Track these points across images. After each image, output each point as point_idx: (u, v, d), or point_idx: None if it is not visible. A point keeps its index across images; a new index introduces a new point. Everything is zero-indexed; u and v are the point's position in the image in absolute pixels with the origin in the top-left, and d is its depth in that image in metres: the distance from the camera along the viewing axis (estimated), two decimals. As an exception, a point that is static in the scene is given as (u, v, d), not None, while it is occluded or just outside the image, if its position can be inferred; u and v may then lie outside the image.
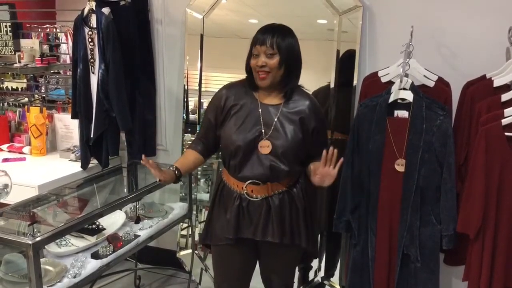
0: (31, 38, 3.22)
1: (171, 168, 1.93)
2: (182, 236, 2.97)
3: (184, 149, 2.87)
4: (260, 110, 1.93)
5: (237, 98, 1.96)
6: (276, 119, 1.91)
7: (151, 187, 2.47)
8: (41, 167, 2.84)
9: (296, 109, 1.92)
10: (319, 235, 2.57)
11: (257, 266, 2.16)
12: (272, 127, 1.90)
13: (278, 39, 1.85)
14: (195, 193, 2.89)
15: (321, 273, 2.66)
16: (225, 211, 2.00)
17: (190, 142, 2.84)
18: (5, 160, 2.91)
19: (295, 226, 1.96)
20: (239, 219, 1.96)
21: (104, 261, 2.11)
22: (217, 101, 2.00)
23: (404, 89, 2.15)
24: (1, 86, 3.59)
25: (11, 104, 3.45)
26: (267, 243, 1.96)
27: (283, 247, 1.98)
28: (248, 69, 1.94)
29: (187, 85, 2.88)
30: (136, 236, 2.34)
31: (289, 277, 2.18)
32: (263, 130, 1.90)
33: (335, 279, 2.65)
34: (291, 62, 1.90)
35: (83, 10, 2.62)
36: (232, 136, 1.92)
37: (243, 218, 1.96)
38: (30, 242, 1.72)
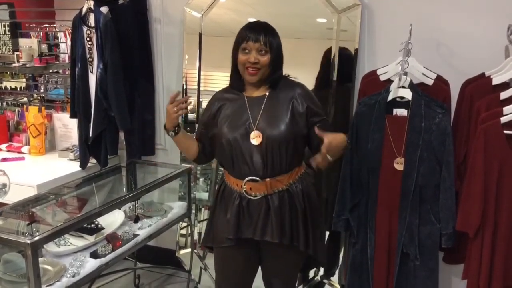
0: (30, 37, 3.22)
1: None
2: (182, 235, 2.97)
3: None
4: (247, 103, 1.96)
5: (227, 98, 2.01)
6: (263, 108, 1.93)
7: (150, 187, 2.47)
8: (40, 166, 2.84)
9: (284, 96, 1.94)
10: (324, 242, 2.53)
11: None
12: (260, 117, 1.92)
13: (271, 38, 1.89)
14: (194, 192, 2.88)
15: (321, 272, 2.66)
16: (225, 212, 1.99)
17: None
18: (4, 159, 2.91)
19: (294, 227, 1.95)
20: (239, 218, 1.95)
21: (103, 260, 2.10)
22: (210, 105, 2.05)
23: (403, 87, 2.15)
24: (0, 85, 3.59)
25: (10, 103, 3.46)
26: (268, 244, 1.96)
27: (283, 248, 1.97)
28: (235, 66, 1.96)
29: (186, 84, 2.88)
30: (135, 235, 2.34)
31: (290, 280, 2.16)
32: (251, 121, 1.92)
33: (335, 277, 2.65)
34: (278, 61, 1.95)
35: (81, 9, 2.61)
36: (224, 132, 1.94)
37: (243, 217, 1.95)
38: (28, 242, 1.72)
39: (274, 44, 1.89)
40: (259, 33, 1.88)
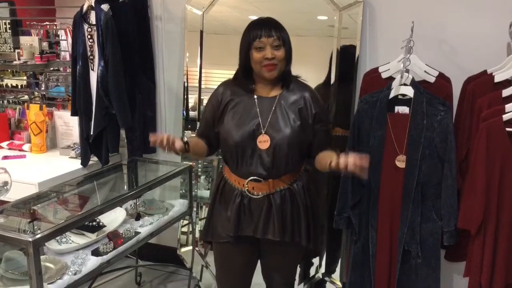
0: (31, 35, 3.22)
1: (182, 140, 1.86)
2: (183, 233, 2.97)
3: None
4: (257, 103, 1.92)
5: (234, 93, 1.96)
6: (273, 111, 1.90)
7: (151, 184, 2.46)
8: (41, 164, 2.84)
9: (294, 100, 1.92)
10: (322, 234, 2.55)
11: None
12: (269, 120, 1.89)
13: (282, 32, 1.87)
14: (196, 190, 2.88)
15: (322, 269, 2.66)
16: (226, 209, 1.99)
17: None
18: (5, 157, 2.91)
19: (296, 224, 1.95)
20: (240, 216, 1.95)
21: (105, 258, 2.10)
22: (214, 99, 2.00)
23: (405, 84, 2.14)
24: (1, 83, 3.58)
25: (11, 101, 3.46)
26: (268, 241, 1.96)
27: (284, 244, 1.97)
28: (244, 66, 1.93)
29: (187, 82, 2.87)
30: (137, 233, 2.34)
31: (290, 275, 2.17)
32: (261, 124, 1.89)
33: (336, 275, 2.65)
34: (291, 55, 1.92)
35: (82, 7, 2.61)
36: (230, 131, 1.91)
37: (244, 215, 1.95)
38: (30, 239, 1.72)
39: (285, 38, 1.88)
40: (270, 28, 1.85)
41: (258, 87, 1.95)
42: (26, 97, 3.48)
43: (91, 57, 2.62)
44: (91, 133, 2.68)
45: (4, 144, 3.12)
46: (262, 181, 1.91)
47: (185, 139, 1.88)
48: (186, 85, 2.88)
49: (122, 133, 2.88)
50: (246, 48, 1.88)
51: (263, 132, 1.88)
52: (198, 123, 2.80)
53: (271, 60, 1.85)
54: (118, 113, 2.64)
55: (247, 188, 1.93)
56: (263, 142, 1.88)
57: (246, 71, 1.93)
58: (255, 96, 1.93)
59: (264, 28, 1.85)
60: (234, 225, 1.95)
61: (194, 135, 2.08)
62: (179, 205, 2.70)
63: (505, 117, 1.93)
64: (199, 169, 2.91)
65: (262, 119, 1.90)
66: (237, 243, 1.99)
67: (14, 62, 2.98)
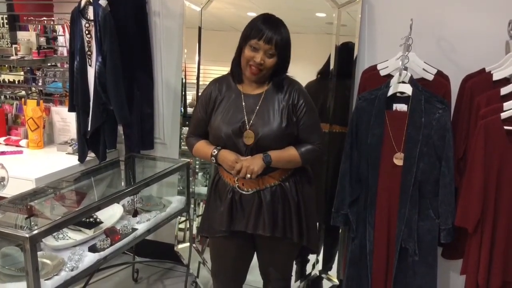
0: (28, 30, 3.20)
1: (213, 151, 1.95)
2: (180, 229, 2.97)
3: (183, 144, 2.88)
4: (243, 100, 1.95)
5: (222, 91, 2.00)
6: (258, 108, 1.92)
7: (149, 181, 2.47)
8: (38, 160, 2.83)
9: (280, 95, 1.93)
10: (318, 230, 2.55)
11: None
12: (254, 116, 1.91)
13: (283, 42, 1.86)
14: (193, 187, 2.88)
15: (319, 267, 2.67)
16: (219, 204, 2.02)
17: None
18: (2, 153, 2.89)
19: (287, 220, 1.97)
20: (232, 212, 1.98)
21: (102, 254, 2.10)
22: (205, 97, 2.03)
23: (403, 82, 2.14)
24: (-2, 78, 3.57)
25: (8, 97, 3.44)
26: (261, 237, 1.98)
27: (277, 240, 1.99)
28: (237, 61, 1.94)
29: (185, 78, 2.86)
30: (134, 230, 2.33)
31: (286, 270, 2.19)
32: (246, 120, 1.91)
33: (333, 272, 2.65)
34: (284, 65, 1.94)
35: (80, 2, 2.60)
36: (218, 127, 1.94)
37: (236, 211, 1.98)
38: (27, 236, 1.71)
39: (282, 45, 1.86)
40: (274, 33, 1.84)
41: (245, 84, 1.98)
42: (23, 92, 3.46)
43: (89, 52, 2.61)
44: (89, 129, 2.67)
45: (1, 139, 3.11)
46: None
47: (215, 151, 1.94)
48: (184, 81, 2.87)
49: (120, 129, 2.88)
50: (244, 40, 1.90)
51: (248, 128, 1.90)
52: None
53: (258, 66, 1.86)
54: (116, 109, 2.63)
55: (237, 184, 1.95)
56: (248, 138, 1.90)
57: (238, 63, 1.95)
58: (242, 94, 1.96)
59: (267, 31, 1.84)
60: (226, 220, 1.98)
61: (202, 141, 2.08)
62: (176, 201, 2.70)
63: (503, 115, 1.93)
64: (197, 166, 2.91)
65: (248, 115, 1.92)
66: (231, 237, 2.02)
67: (11, 57, 2.97)
